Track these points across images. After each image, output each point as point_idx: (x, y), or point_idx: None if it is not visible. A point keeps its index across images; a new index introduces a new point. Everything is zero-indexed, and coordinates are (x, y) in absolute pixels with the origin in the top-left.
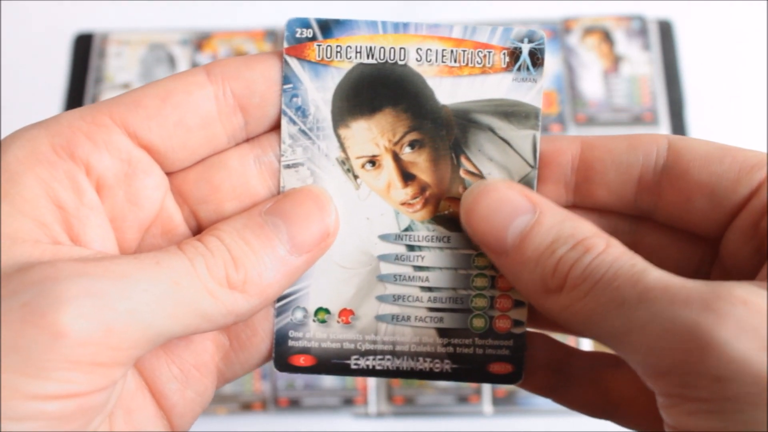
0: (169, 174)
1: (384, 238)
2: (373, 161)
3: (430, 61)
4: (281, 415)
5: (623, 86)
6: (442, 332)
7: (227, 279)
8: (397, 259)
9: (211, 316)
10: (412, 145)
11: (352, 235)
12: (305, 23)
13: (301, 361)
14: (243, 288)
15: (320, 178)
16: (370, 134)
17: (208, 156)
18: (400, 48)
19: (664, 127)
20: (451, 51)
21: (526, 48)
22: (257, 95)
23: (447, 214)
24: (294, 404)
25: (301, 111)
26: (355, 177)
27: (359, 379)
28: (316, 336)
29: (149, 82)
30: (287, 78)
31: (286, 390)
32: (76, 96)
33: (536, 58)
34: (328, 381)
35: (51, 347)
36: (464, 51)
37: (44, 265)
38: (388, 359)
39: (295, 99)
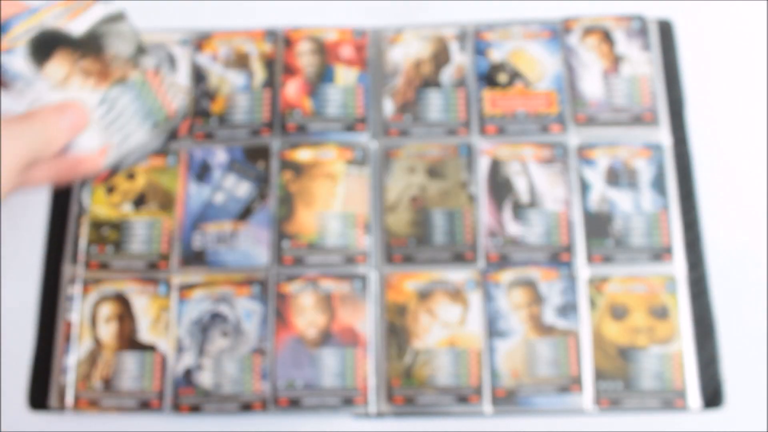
0: None
1: None
2: None
3: None
4: (281, 415)
5: (623, 86)
6: None
7: None
8: None
9: None
10: None
11: None
12: None
13: None
14: None
15: None
16: None
17: None
18: None
19: (664, 127)
20: None
21: None
22: None
23: None
24: (294, 404)
25: None
26: None
27: (359, 379)
28: None
29: None
30: None
31: (286, 390)
32: None
33: None
34: (328, 381)
35: None
36: None
37: None
38: None
39: None
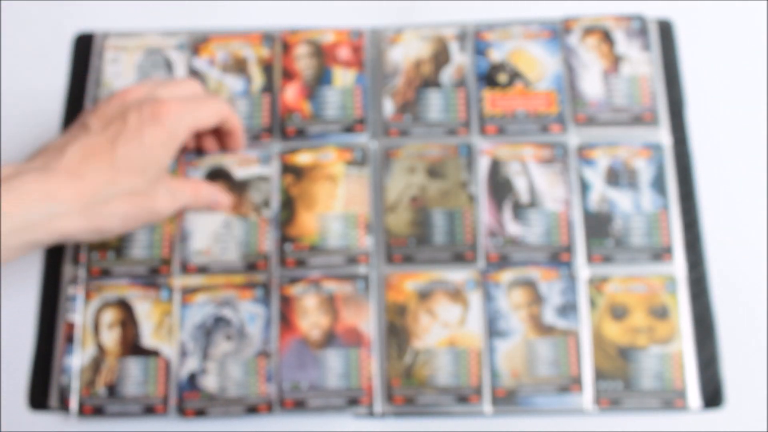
0: None
1: None
2: None
3: None
4: (287, 417)
5: (623, 86)
6: None
7: None
8: None
9: None
10: None
11: None
12: None
13: None
14: None
15: None
16: None
17: None
18: None
19: (664, 127)
20: None
21: None
22: None
23: None
24: (299, 405)
25: None
26: None
27: (364, 380)
28: None
29: None
30: None
31: (291, 392)
32: (76, 97)
33: None
34: (333, 382)
35: None
36: None
37: None
38: None
39: None
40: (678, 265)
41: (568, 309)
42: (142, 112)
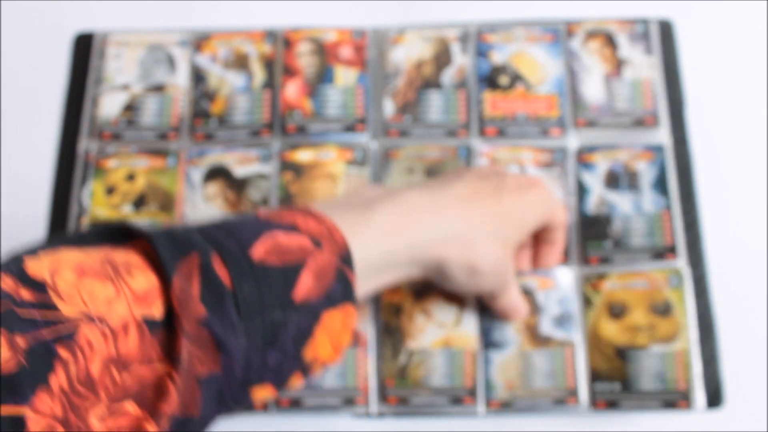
0: None
1: None
2: None
3: None
4: (283, 416)
5: (625, 90)
6: None
7: None
8: None
9: None
10: None
11: None
12: None
13: None
14: None
15: None
16: None
17: None
18: None
19: (664, 130)
20: None
21: None
22: None
23: None
24: (295, 405)
25: None
26: None
27: (360, 379)
28: None
29: (148, 82)
30: None
31: (287, 391)
32: (76, 97)
33: None
34: (330, 381)
35: None
36: None
37: None
38: None
39: None
40: (682, 263)
41: (565, 319)
42: (520, 177)
